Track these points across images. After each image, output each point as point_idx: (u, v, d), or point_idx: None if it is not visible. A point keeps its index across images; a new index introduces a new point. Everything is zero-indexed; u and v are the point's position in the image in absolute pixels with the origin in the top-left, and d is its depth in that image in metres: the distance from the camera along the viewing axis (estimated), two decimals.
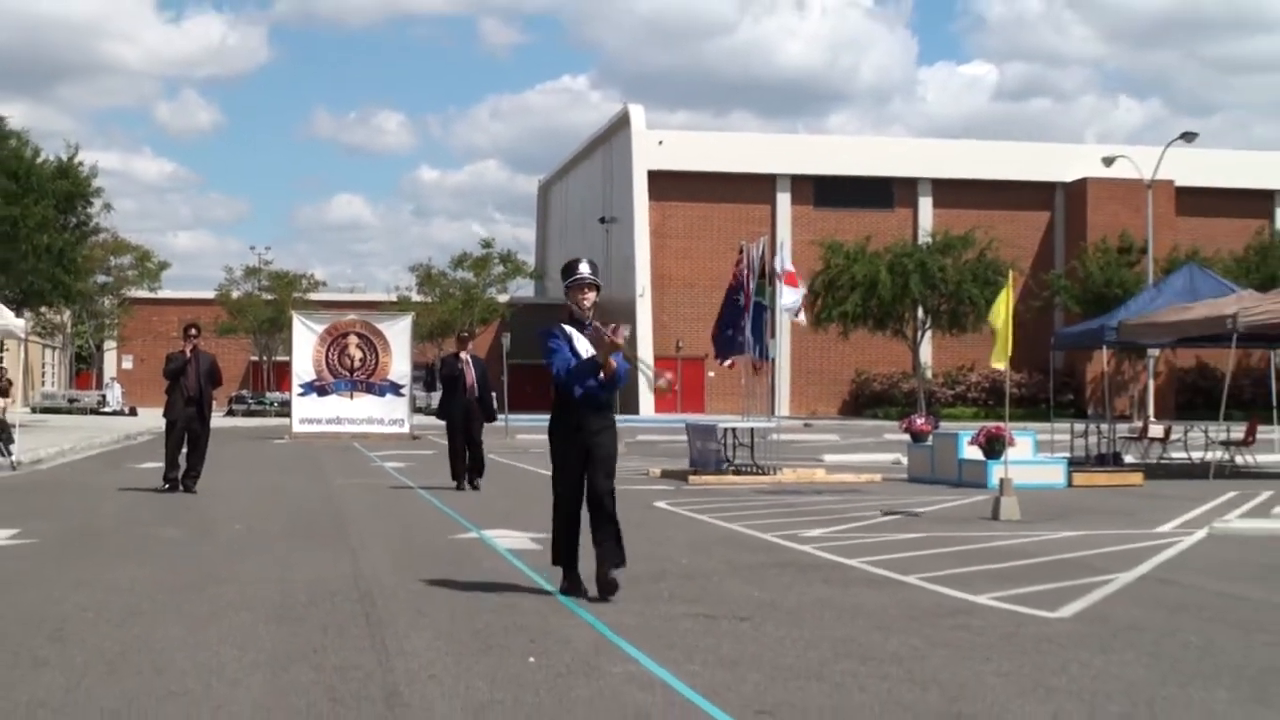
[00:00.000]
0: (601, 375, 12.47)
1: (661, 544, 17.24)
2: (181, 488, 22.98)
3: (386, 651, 9.92)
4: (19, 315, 39.94)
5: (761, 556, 16.02)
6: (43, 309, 65.98)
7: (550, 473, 13.11)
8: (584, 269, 12.75)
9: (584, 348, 12.45)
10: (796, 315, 31.52)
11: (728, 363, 32.66)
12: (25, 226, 51.51)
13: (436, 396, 74.30)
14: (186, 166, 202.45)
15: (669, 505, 22.84)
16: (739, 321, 30.57)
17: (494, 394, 27.39)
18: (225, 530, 18.46)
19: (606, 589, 12.23)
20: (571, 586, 12.62)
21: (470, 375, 25.57)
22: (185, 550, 16.33)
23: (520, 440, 43.60)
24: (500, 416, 35.29)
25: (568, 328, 12.63)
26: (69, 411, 79.11)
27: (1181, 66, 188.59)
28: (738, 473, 29.22)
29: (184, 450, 23.32)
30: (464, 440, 25.48)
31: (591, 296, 12.71)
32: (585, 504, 12.65)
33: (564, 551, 12.77)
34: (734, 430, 31.14)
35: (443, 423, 26.48)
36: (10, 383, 33.75)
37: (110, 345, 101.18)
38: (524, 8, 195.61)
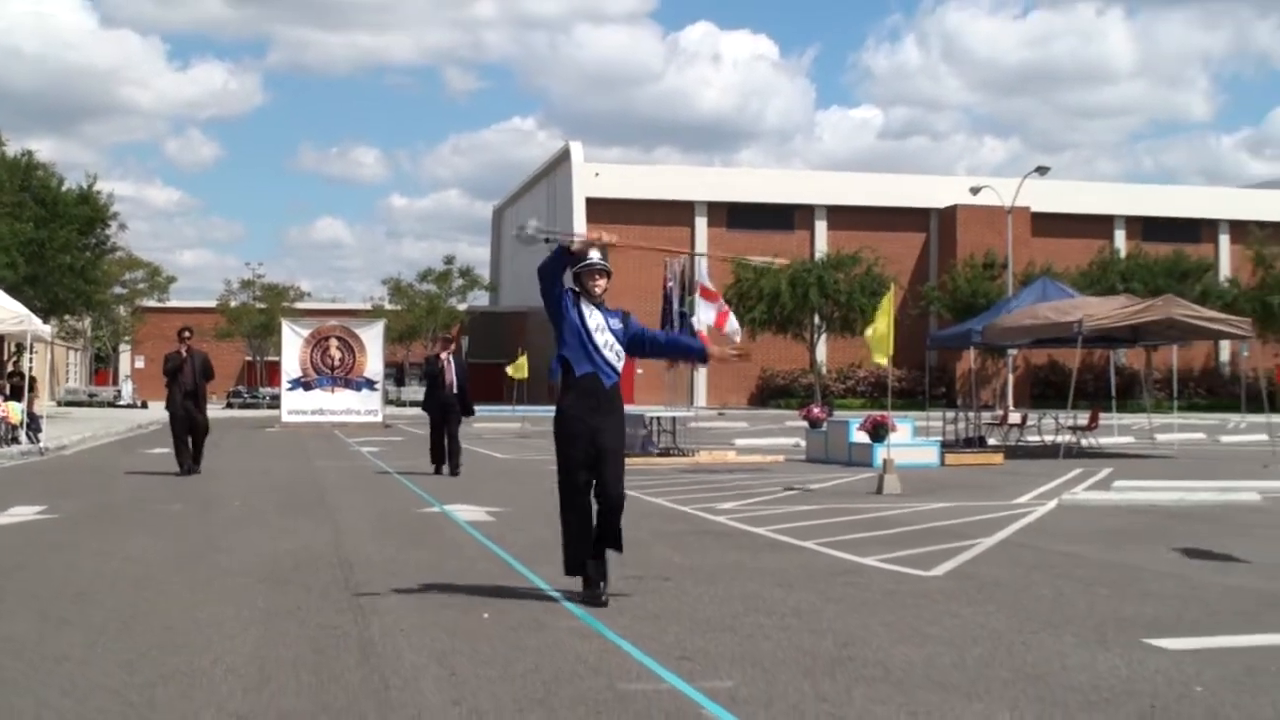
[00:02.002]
0: (565, 252, 10.39)
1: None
2: (189, 470, 22.86)
3: (362, 610, 9.89)
4: (46, 322, 39.96)
5: (682, 526, 16.02)
6: (67, 316, 65.62)
7: (556, 473, 10.51)
8: (595, 254, 10.50)
9: (595, 322, 10.26)
10: (736, 334, 31.41)
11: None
12: (51, 247, 51.74)
13: (405, 391, 73.31)
14: (191, 194, 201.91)
15: None
16: (668, 326, 30.76)
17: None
18: (224, 506, 18.36)
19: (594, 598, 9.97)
20: (592, 596, 10.06)
21: (450, 373, 25.06)
22: (189, 523, 16.25)
23: (477, 428, 43.42)
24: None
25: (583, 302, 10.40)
26: (89, 405, 78.91)
27: (1037, 112, 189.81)
28: (662, 455, 29.24)
29: (189, 437, 23.25)
30: (443, 431, 24.86)
31: (603, 283, 10.45)
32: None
33: (579, 560, 10.20)
34: (658, 418, 31.17)
35: (423, 413, 26.26)
36: (22, 377, 33.48)
37: (125, 347, 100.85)
38: (481, 59, 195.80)
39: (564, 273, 10.46)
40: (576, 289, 10.44)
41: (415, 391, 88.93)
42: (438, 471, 24.41)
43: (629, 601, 10.34)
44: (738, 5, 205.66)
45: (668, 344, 11.44)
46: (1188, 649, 8.50)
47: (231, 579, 11.51)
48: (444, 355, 25.37)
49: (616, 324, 10.41)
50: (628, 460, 29.15)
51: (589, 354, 10.25)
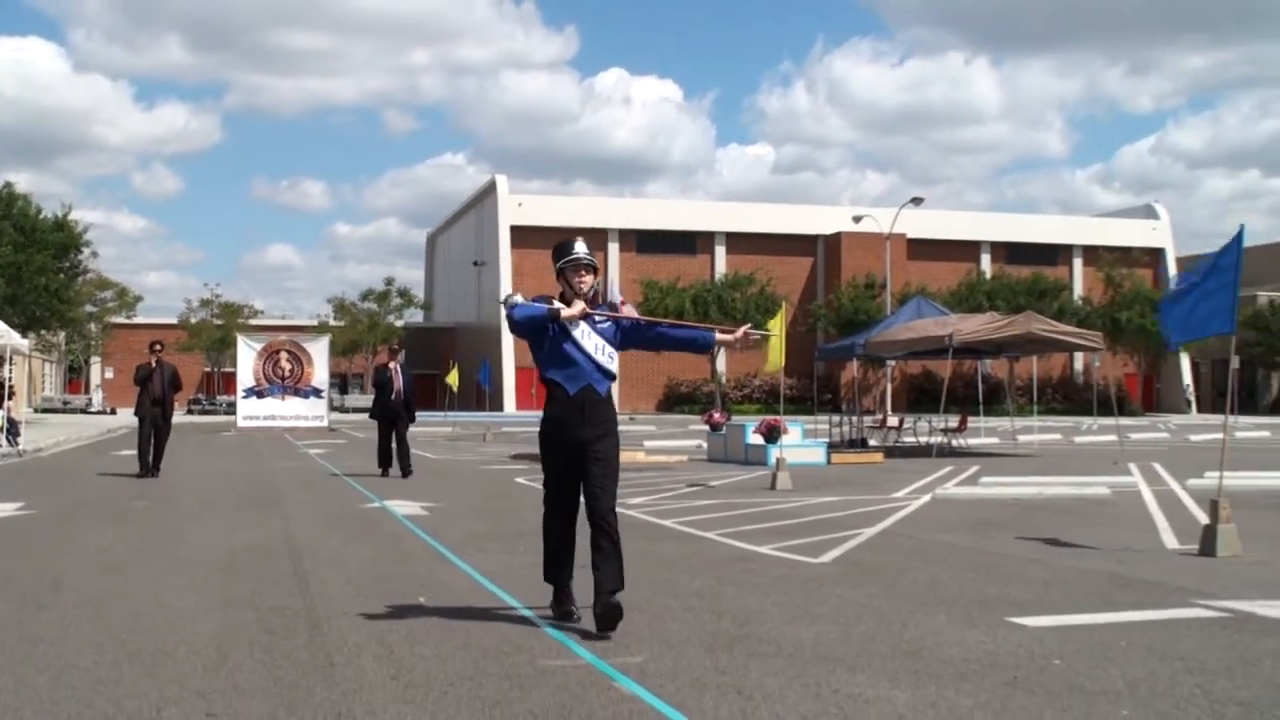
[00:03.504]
0: (549, 315, 8.51)
1: (520, 510, 17.16)
2: (151, 474, 22.62)
3: (310, 595, 9.84)
4: (24, 336, 39.59)
5: None
6: (43, 331, 65.11)
7: (541, 484, 9.00)
8: (580, 248, 8.93)
9: (580, 329, 8.61)
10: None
11: None
12: (29, 270, 51.57)
13: (348, 399, 72.57)
14: (156, 222, 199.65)
15: (526, 481, 22.73)
16: None
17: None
18: (185, 502, 18.22)
19: (607, 621, 8.24)
20: (562, 612, 8.78)
21: (398, 381, 24.49)
22: (154, 518, 16.10)
23: (412, 431, 43.20)
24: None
25: (556, 301, 8.71)
26: (63, 411, 78.19)
27: (913, 149, 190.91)
28: None
29: (152, 442, 23.02)
30: (390, 436, 24.30)
31: (590, 280, 8.81)
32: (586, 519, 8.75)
33: (554, 572, 8.88)
34: None
35: (367, 419, 25.93)
36: (1, 386, 33.19)
37: (95, 360, 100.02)
38: (417, 101, 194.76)
39: (543, 329, 8.58)
40: (561, 286, 8.82)
41: (356, 399, 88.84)
42: (385, 474, 23.85)
43: (549, 587, 10.32)
44: (646, 54, 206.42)
45: (668, 337, 9.38)
46: (1047, 626, 8.57)
47: (192, 568, 11.41)
48: (392, 365, 24.90)
49: (604, 322, 8.80)
50: None
51: (579, 367, 8.56)
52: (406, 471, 23.65)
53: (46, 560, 11.95)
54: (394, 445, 24.29)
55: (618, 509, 8.76)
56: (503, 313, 9.08)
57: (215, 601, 9.57)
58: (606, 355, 8.70)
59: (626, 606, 9.22)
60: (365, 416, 27.29)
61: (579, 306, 8.59)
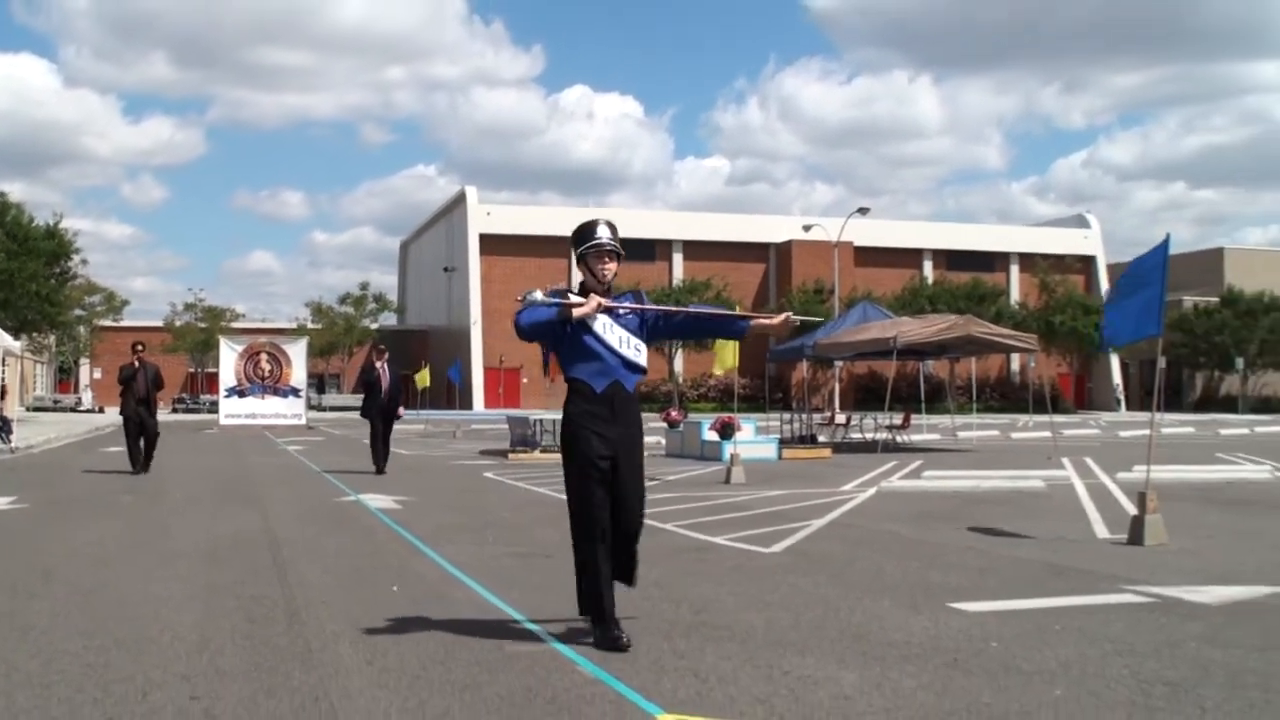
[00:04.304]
0: (560, 316, 7.39)
1: (489, 503, 17.18)
2: (140, 470, 22.44)
3: (289, 584, 9.79)
4: (16, 339, 39.47)
5: (561, 511, 15.85)
6: (34, 334, 64.81)
7: (565, 496, 7.71)
8: (604, 232, 7.61)
9: (601, 322, 7.50)
10: None
11: (548, 368, 32.58)
12: (21, 276, 51.31)
13: (325, 398, 72.53)
14: (142, 230, 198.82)
15: (495, 475, 22.73)
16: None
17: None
18: (170, 497, 18.12)
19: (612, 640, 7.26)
20: (610, 638, 7.26)
21: (385, 380, 23.81)
22: (140, 512, 16.00)
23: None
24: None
25: (572, 295, 7.56)
26: (54, 410, 77.76)
27: (860, 162, 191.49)
28: (544, 451, 29.19)
29: (141, 440, 22.83)
30: (382, 432, 23.53)
31: (613, 267, 7.61)
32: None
33: (593, 598, 7.42)
34: (541, 420, 31.10)
35: (342, 416, 25.73)
36: (5, 389, 33.05)
37: (84, 361, 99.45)
38: (392, 115, 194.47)
39: (552, 332, 7.50)
40: (582, 273, 7.69)
41: (333, 398, 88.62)
42: (380, 471, 22.92)
43: (516, 573, 10.32)
44: (609, 71, 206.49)
45: (698, 324, 8.29)
46: (985, 611, 8.60)
47: (177, 559, 11.35)
48: (379, 364, 24.12)
49: (627, 315, 7.65)
50: (518, 457, 28.71)
51: (604, 362, 7.49)
52: (380, 469, 23.07)
53: (38, 552, 11.87)
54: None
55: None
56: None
57: (198, 590, 9.52)
58: (633, 348, 7.58)
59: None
60: (341, 415, 27.15)
61: (594, 302, 7.44)
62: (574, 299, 7.45)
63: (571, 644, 7.41)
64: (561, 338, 7.52)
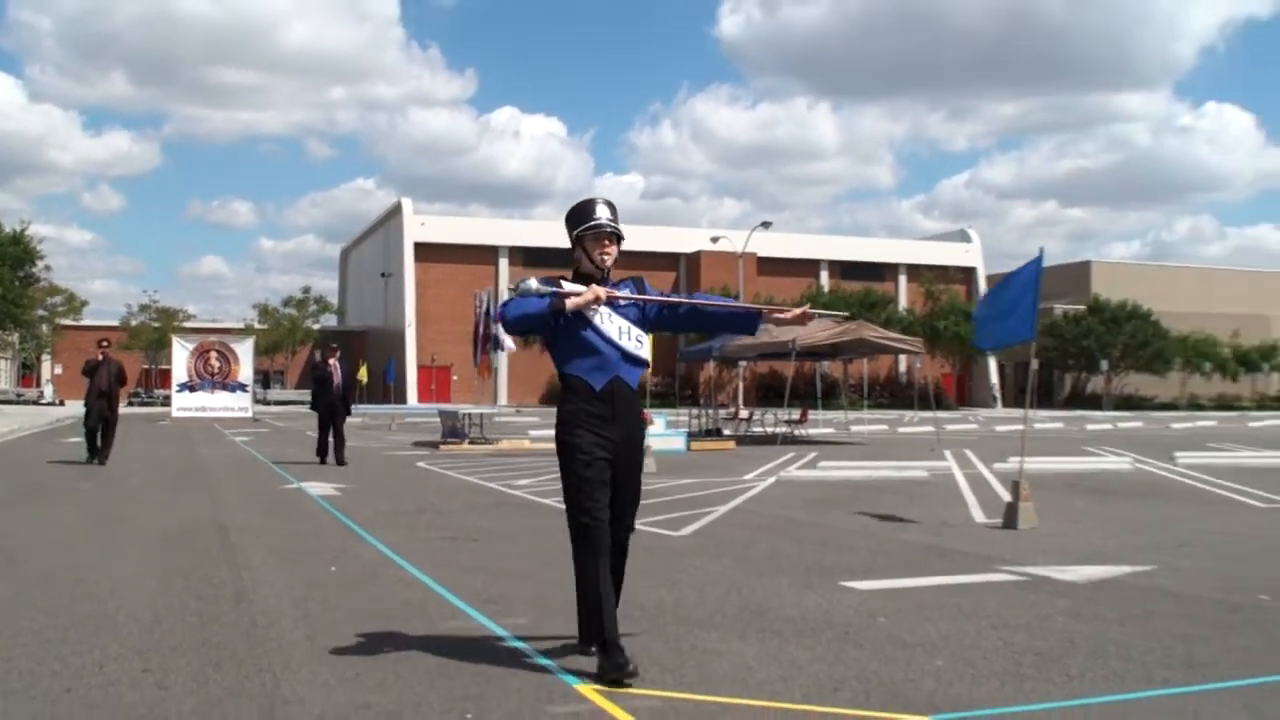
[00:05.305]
0: (552, 308, 6.13)
1: (421, 490, 17.10)
2: (98, 461, 22.10)
3: (235, 566, 9.71)
4: None
5: (488, 498, 15.96)
6: None
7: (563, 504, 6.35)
8: (602, 212, 6.33)
9: (601, 313, 6.26)
10: (513, 344, 31.54)
11: (478, 366, 32.66)
12: None
13: (270, 393, 71.82)
14: (101, 236, 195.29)
15: (427, 465, 22.63)
16: (478, 342, 31.14)
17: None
18: (126, 484, 17.88)
19: (617, 676, 5.86)
20: (614, 665, 5.88)
21: (336, 376, 23.45)
22: (98, 498, 15.80)
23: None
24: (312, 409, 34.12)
25: (566, 283, 6.33)
26: (17, 403, 76.39)
27: (764, 180, 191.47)
28: (472, 443, 29.10)
29: (100, 432, 22.49)
30: (329, 427, 23.00)
31: (614, 251, 6.36)
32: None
33: (595, 622, 6.10)
34: (469, 414, 31.01)
35: (288, 410, 25.45)
36: None
37: (46, 357, 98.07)
38: (334, 132, 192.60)
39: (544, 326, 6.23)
40: (577, 258, 6.44)
41: (278, 393, 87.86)
42: (323, 462, 22.46)
43: (446, 555, 10.30)
44: (535, 95, 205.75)
45: (707, 316, 6.82)
46: (873, 589, 8.68)
47: (132, 543, 11.23)
48: (331, 361, 23.70)
49: (626, 305, 6.40)
50: (449, 448, 28.41)
51: (604, 355, 6.25)
52: (341, 459, 22.47)
53: (2, 536, 11.68)
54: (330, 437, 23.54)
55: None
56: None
57: (152, 572, 9.42)
58: (634, 340, 6.36)
59: (513, 576, 9.23)
60: (285, 408, 26.89)
61: (593, 292, 6.17)
62: (569, 288, 6.26)
63: (498, 620, 7.40)
64: (555, 330, 6.26)
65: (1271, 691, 5.88)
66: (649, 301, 6.49)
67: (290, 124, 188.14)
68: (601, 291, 6.19)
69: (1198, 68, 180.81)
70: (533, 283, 6.21)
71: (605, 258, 6.34)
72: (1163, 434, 40.82)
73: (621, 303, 6.34)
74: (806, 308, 6.81)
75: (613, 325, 6.28)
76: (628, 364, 6.31)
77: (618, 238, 6.36)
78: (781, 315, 6.69)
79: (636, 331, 6.37)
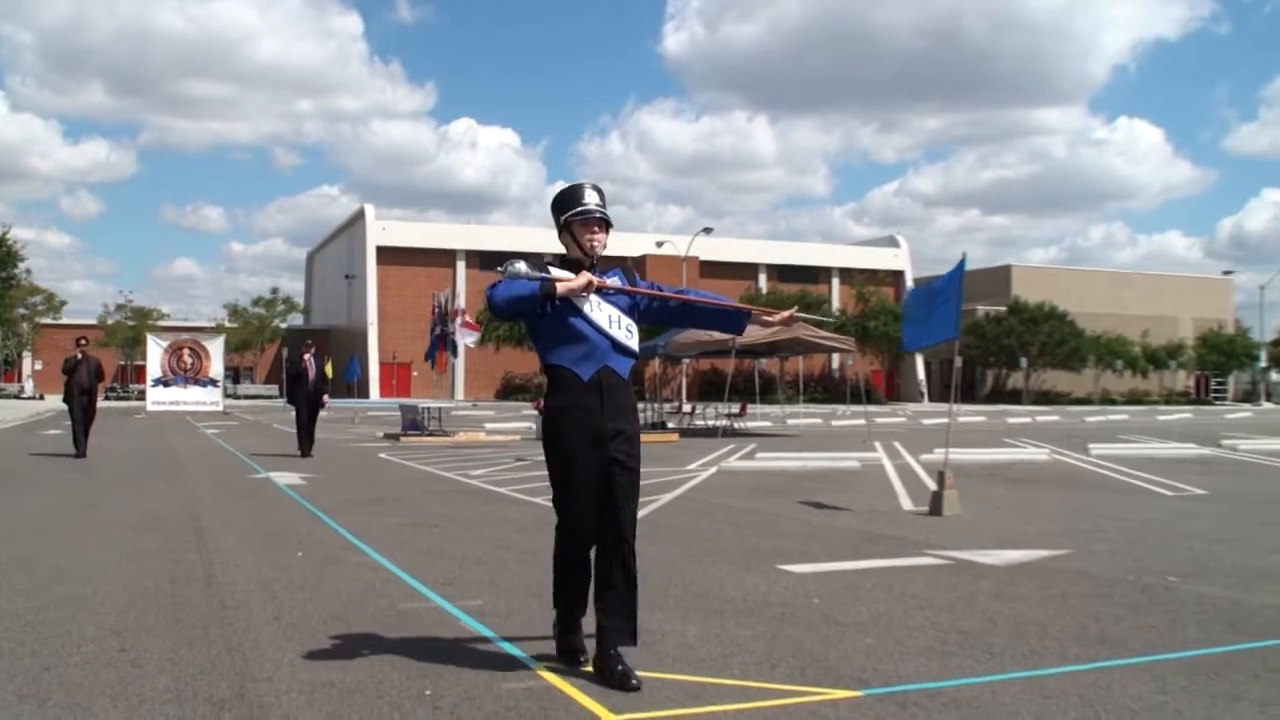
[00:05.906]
0: (543, 292, 5.56)
1: (382, 479, 17.05)
2: (77, 453, 21.79)
3: (206, 550, 9.66)
4: None
5: (445, 487, 15.93)
6: None
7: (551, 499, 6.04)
8: (591, 197, 5.80)
9: (590, 301, 5.70)
10: (470, 342, 31.41)
11: (430, 361, 32.57)
12: None
13: (240, 388, 71.44)
14: (80, 239, 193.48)
15: (388, 455, 22.55)
16: (436, 340, 31.09)
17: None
18: (103, 474, 17.75)
19: (613, 676, 5.40)
20: (566, 646, 5.83)
21: (311, 372, 23.20)
22: (75, 486, 15.67)
23: (290, 416, 42.59)
24: (281, 403, 33.82)
25: (554, 269, 5.83)
26: None
27: (706, 188, 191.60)
28: (430, 435, 29.01)
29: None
30: (307, 419, 22.86)
31: (603, 238, 5.83)
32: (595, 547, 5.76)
33: (564, 605, 5.86)
34: (428, 408, 30.91)
35: (255, 403, 25.25)
36: None
37: (27, 354, 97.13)
38: (301, 142, 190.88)
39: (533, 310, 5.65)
40: (565, 245, 5.92)
41: (247, 388, 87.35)
42: (305, 455, 22.13)
43: (406, 540, 10.27)
44: (491, 107, 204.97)
45: (696, 313, 6.31)
46: (808, 572, 8.72)
47: (108, 528, 11.15)
48: (306, 357, 23.48)
49: (616, 295, 5.83)
50: (409, 440, 28.30)
51: (592, 344, 5.66)
52: (307, 452, 22.29)
53: None
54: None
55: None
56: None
57: (127, 556, 9.36)
58: (624, 329, 5.77)
59: (469, 560, 9.21)
60: (254, 403, 26.73)
61: (583, 278, 5.65)
62: (558, 273, 5.74)
63: (455, 601, 7.39)
64: (541, 317, 5.69)
65: (1177, 666, 5.95)
66: (639, 294, 5.94)
67: (260, 134, 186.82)
68: (594, 278, 5.66)
69: (1111, 85, 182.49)
70: (521, 265, 5.64)
71: (595, 244, 5.79)
72: (1078, 427, 41.15)
73: (611, 292, 5.79)
74: (795, 310, 6.50)
75: (602, 313, 5.73)
76: (617, 353, 5.71)
77: (607, 224, 5.85)
78: (769, 318, 6.26)
79: (627, 320, 5.82)
